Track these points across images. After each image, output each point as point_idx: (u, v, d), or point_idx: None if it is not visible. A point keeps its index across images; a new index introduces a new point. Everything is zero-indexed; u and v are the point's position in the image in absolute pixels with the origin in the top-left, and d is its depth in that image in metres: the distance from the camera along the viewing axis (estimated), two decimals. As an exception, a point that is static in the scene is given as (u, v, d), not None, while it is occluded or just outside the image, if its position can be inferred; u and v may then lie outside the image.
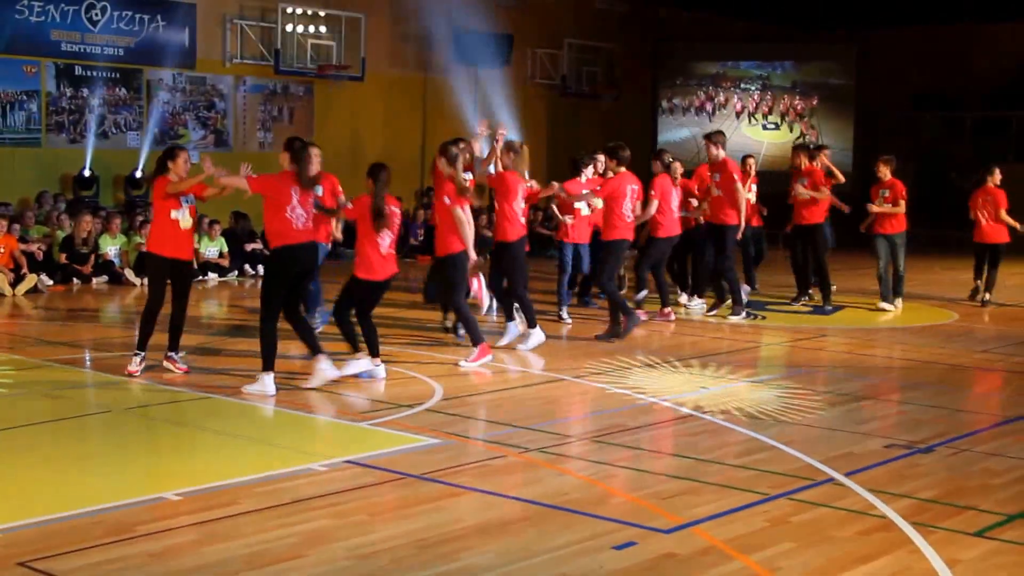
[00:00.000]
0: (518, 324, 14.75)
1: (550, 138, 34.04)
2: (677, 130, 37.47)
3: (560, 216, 17.43)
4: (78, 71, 25.09)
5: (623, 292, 17.53)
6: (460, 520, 7.94)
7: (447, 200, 13.37)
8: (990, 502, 8.48)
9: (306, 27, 28.69)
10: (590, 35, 35.79)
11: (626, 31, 36.82)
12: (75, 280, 21.03)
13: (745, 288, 18.70)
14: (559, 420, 11.07)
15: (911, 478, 9.09)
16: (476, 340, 13.57)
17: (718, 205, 17.54)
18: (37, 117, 24.56)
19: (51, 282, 20.62)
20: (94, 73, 25.30)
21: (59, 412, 11.06)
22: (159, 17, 26.06)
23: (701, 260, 18.53)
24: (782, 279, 20.76)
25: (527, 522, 7.84)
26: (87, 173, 25.13)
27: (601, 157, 17.69)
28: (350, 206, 12.91)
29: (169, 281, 12.75)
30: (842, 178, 19.63)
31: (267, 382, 11.75)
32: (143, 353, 12.62)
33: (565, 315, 17.05)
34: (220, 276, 22.63)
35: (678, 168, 17.85)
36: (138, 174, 25.45)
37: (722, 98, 38.39)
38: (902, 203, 18.53)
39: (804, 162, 18.81)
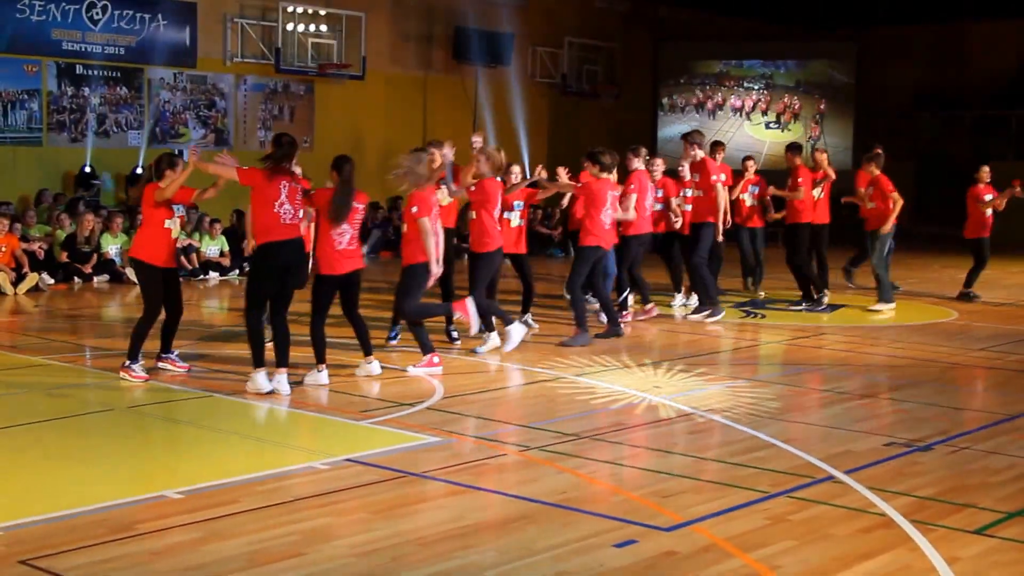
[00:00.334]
0: (516, 326, 14.41)
1: (550, 137, 34.06)
2: (678, 129, 37.45)
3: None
4: (79, 70, 25.11)
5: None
6: (460, 518, 7.95)
7: (414, 210, 13.03)
8: (989, 500, 8.49)
9: (307, 26, 28.72)
10: (591, 34, 35.81)
11: (627, 30, 36.85)
12: (76, 279, 21.05)
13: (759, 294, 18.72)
14: (559, 419, 11.06)
15: (911, 476, 9.10)
16: (424, 348, 13.22)
17: (697, 205, 17.45)
18: (38, 116, 24.58)
19: (52, 281, 20.65)
20: (95, 72, 25.32)
21: (60, 410, 11.08)
22: (160, 16, 26.08)
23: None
24: (786, 278, 20.74)
25: (527, 520, 7.84)
26: (87, 169, 25.15)
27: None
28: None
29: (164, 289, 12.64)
30: (832, 176, 19.47)
31: (259, 379, 11.69)
32: (140, 361, 12.56)
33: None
34: (221, 275, 22.65)
35: (659, 165, 17.86)
36: (139, 171, 25.46)
37: (719, 97, 38.39)
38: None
39: (796, 161, 18.79)
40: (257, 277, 12.05)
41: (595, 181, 15.31)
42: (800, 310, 18.52)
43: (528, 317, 15.73)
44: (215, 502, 8.10)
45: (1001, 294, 21.35)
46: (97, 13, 24.98)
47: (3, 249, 20.07)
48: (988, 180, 20.57)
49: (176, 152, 13.63)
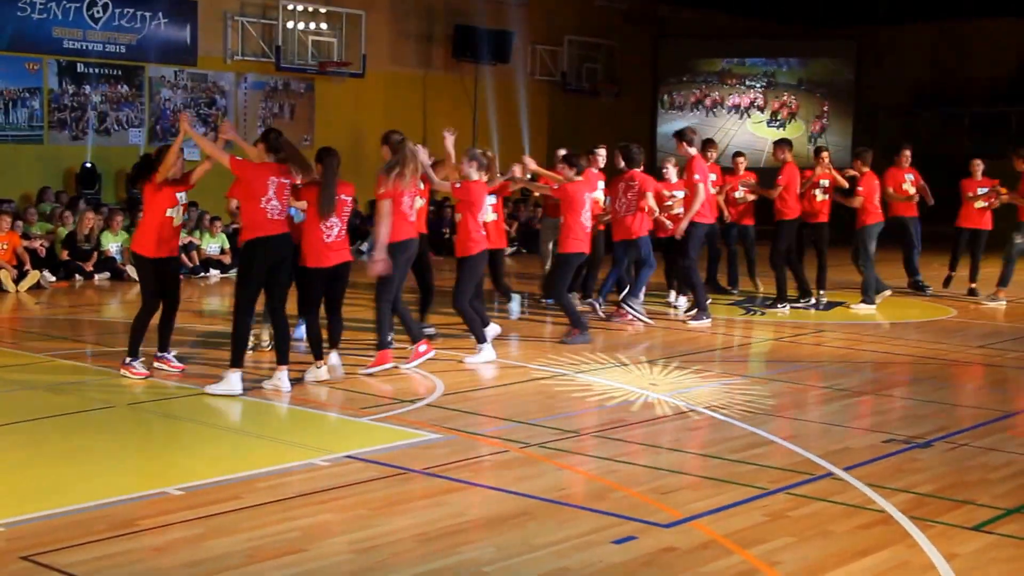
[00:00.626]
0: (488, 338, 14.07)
1: (551, 135, 34.07)
2: (678, 127, 37.46)
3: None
4: (80, 68, 25.13)
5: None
6: (461, 514, 7.98)
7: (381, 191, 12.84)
8: (988, 496, 8.52)
9: (307, 24, 28.74)
10: (590, 32, 35.83)
11: (626, 28, 36.85)
12: (77, 276, 21.06)
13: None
14: (559, 416, 11.08)
15: (909, 472, 9.13)
16: (381, 344, 13.02)
17: (685, 204, 17.17)
18: (39, 114, 24.60)
19: (54, 278, 20.67)
20: (96, 70, 25.34)
21: (62, 407, 11.09)
22: (160, 14, 26.10)
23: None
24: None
25: (527, 516, 7.87)
26: (89, 167, 25.20)
27: (602, 152, 17.68)
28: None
29: (160, 281, 12.57)
30: (844, 183, 19.30)
31: (233, 380, 11.59)
32: (141, 358, 12.54)
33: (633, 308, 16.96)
34: (222, 272, 22.66)
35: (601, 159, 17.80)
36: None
37: (717, 95, 38.41)
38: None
39: (786, 157, 18.53)
40: (245, 273, 11.89)
41: (572, 184, 15.04)
42: (777, 309, 18.41)
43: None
44: (216, 498, 8.12)
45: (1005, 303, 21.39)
46: (98, 11, 25.00)
47: (5, 247, 20.09)
48: (980, 174, 20.61)
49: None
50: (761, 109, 38.15)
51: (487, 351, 13.72)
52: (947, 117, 37.40)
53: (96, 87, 25.36)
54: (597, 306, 17.24)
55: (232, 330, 11.82)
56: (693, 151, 16.93)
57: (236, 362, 11.66)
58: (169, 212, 12.33)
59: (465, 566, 6.94)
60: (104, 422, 10.79)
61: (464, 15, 31.89)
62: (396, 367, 12.92)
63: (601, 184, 17.40)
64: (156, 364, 12.71)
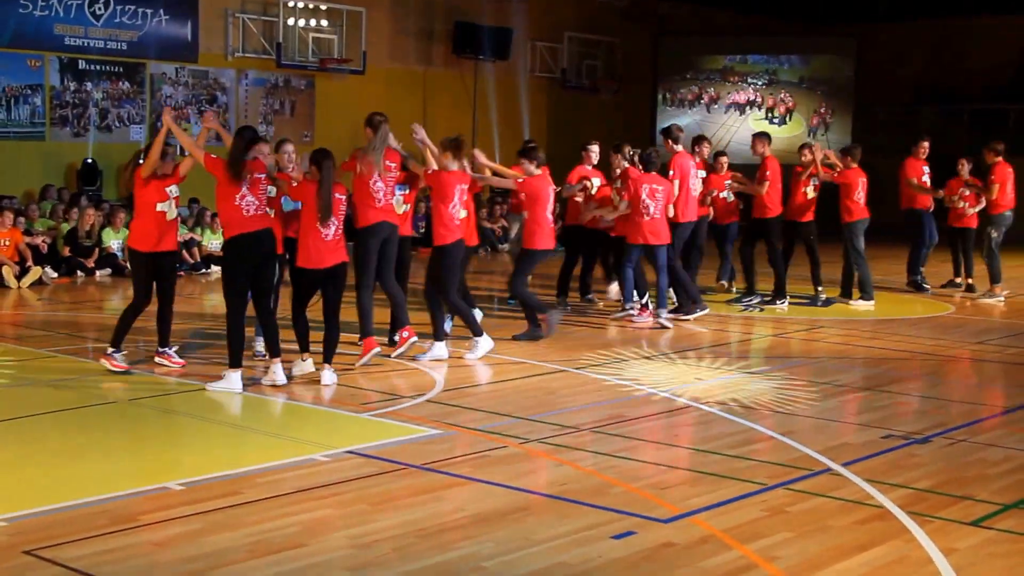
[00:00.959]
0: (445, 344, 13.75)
1: (550, 132, 34.08)
2: (678, 123, 37.48)
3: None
4: (81, 65, 25.16)
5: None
6: (460, 510, 8.00)
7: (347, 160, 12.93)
8: (986, 492, 8.54)
9: (307, 21, 28.76)
10: (590, 28, 35.84)
11: (626, 25, 36.86)
12: (79, 273, 21.09)
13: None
14: (558, 411, 11.10)
15: (908, 468, 9.15)
16: (364, 332, 13.06)
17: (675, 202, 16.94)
18: (41, 111, 24.63)
19: (55, 275, 20.70)
20: (97, 67, 25.38)
21: (64, 403, 11.12)
22: (161, 11, 26.13)
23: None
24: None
25: (526, 512, 7.90)
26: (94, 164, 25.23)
27: (595, 148, 17.55)
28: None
29: (155, 277, 12.59)
30: (832, 173, 19.26)
31: (234, 379, 11.59)
32: (122, 350, 12.52)
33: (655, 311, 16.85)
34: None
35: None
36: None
37: (713, 91, 38.42)
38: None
39: (765, 151, 18.35)
40: (228, 273, 11.88)
41: (532, 179, 14.75)
42: (751, 306, 18.34)
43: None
44: (216, 494, 8.15)
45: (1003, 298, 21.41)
46: (99, 8, 25.03)
47: (7, 243, 20.13)
48: (924, 155, 20.62)
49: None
50: (759, 106, 38.15)
51: (485, 342, 13.69)
52: (947, 114, 37.39)
53: (97, 84, 25.39)
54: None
55: (227, 331, 11.82)
56: (679, 148, 16.93)
57: (235, 362, 11.67)
58: (160, 207, 12.30)
59: (464, 561, 6.96)
60: (105, 418, 10.81)
61: (464, 12, 31.90)
62: (385, 355, 12.96)
63: (596, 181, 17.25)
64: (157, 359, 12.74)
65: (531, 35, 34.15)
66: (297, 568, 6.77)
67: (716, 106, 38.23)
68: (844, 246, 18.94)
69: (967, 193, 20.48)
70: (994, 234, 19.93)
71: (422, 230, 26.35)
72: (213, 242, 22.77)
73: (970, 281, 20.85)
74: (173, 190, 12.45)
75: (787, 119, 37.97)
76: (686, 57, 38.45)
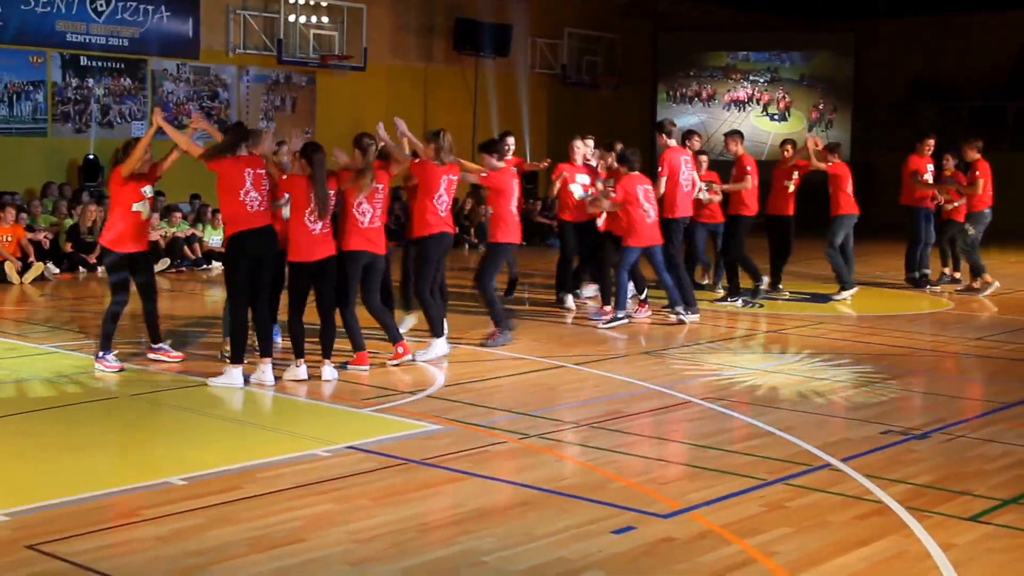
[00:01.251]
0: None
1: (550, 128, 34.09)
2: (678, 119, 37.49)
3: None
4: (83, 61, 25.17)
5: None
6: (460, 505, 8.03)
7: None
8: (985, 487, 8.56)
9: (308, 17, 28.77)
10: (590, 24, 35.83)
11: (626, 21, 36.86)
12: (81, 268, 21.11)
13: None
14: (558, 407, 11.14)
15: (906, 464, 9.17)
16: (356, 347, 12.74)
17: (664, 199, 16.81)
18: (43, 107, 24.64)
19: (57, 270, 20.73)
20: (99, 63, 25.38)
21: (65, 398, 11.15)
22: (163, 7, 26.13)
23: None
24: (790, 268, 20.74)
25: (526, 507, 7.92)
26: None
27: (579, 143, 17.32)
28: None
29: (132, 275, 12.54)
30: (818, 164, 19.17)
31: (235, 375, 11.59)
32: (112, 351, 12.49)
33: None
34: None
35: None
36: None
37: (711, 88, 38.43)
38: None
39: (738, 150, 18.19)
40: (230, 269, 11.84)
41: (496, 172, 14.39)
42: (733, 303, 18.22)
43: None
44: (218, 488, 8.18)
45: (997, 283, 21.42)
46: (101, 5, 25.04)
47: (9, 239, 20.18)
48: (929, 152, 20.60)
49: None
50: (757, 102, 38.16)
51: (439, 346, 13.38)
52: (946, 110, 37.38)
53: (99, 80, 25.41)
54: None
55: (230, 327, 11.86)
56: (672, 143, 16.87)
57: (236, 358, 11.68)
58: (136, 207, 12.28)
59: (464, 556, 6.99)
60: (108, 413, 10.85)
61: (464, 8, 31.91)
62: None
63: (584, 178, 17.05)
64: (151, 356, 12.73)
65: (531, 31, 34.14)
66: (298, 563, 6.80)
67: (714, 102, 38.24)
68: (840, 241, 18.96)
69: (950, 187, 20.51)
70: (971, 231, 19.96)
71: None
72: (214, 238, 22.79)
73: (957, 275, 20.91)
74: (148, 190, 12.44)
75: (786, 115, 37.97)
76: (686, 53, 38.46)
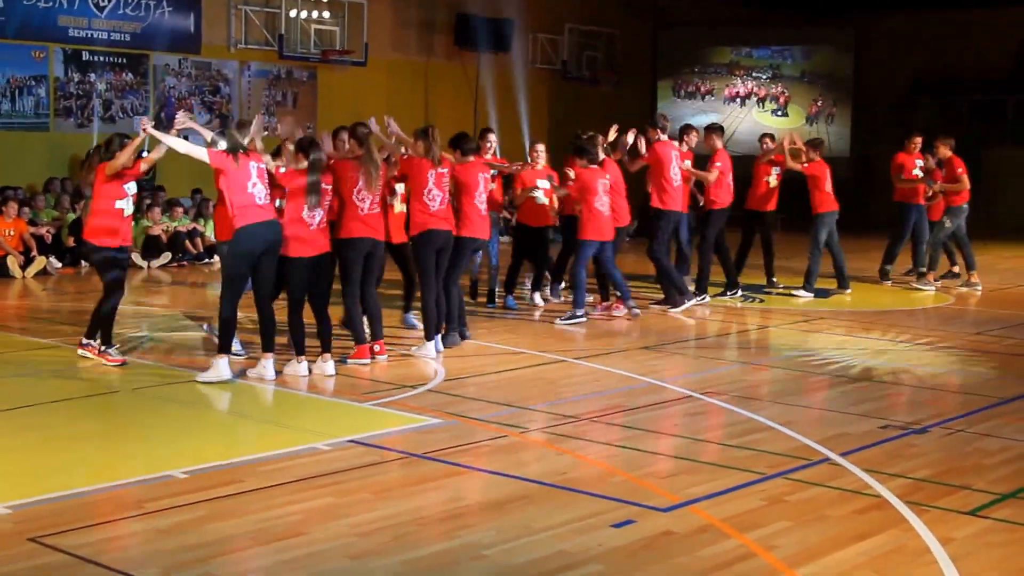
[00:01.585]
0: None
1: (551, 123, 34.08)
2: (679, 115, 37.47)
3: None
4: (85, 56, 25.15)
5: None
6: (461, 498, 8.07)
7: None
8: (984, 481, 8.59)
9: (309, 12, 28.75)
10: (591, 20, 35.81)
11: (627, 16, 36.84)
12: (83, 263, 21.12)
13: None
14: (559, 401, 11.15)
15: (906, 458, 9.20)
16: (356, 339, 12.77)
17: (653, 193, 16.84)
18: (45, 102, 24.64)
19: (60, 265, 20.75)
20: (101, 58, 25.38)
21: (68, 392, 11.18)
22: (165, 3, 26.10)
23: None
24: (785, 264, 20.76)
25: (527, 500, 7.95)
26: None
27: (541, 146, 16.92)
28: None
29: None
30: (793, 165, 19.14)
31: (221, 366, 11.53)
32: (114, 344, 12.57)
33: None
34: (225, 259, 22.73)
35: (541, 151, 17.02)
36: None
37: (709, 84, 38.41)
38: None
39: (717, 144, 18.02)
40: (234, 262, 11.78)
41: (461, 166, 13.91)
42: (749, 297, 18.30)
43: (411, 316, 14.86)
44: (220, 482, 8.21)
45: (995, 279, 21.44)
46: (103, 0, 25.05)
47: (12, 233, 20.21)
48: (916, 149, 20.56)
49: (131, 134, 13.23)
50: (757, 98, 38.13)
51: (430, 348, 13.24)
52: (946, 106, 37.36)
53: (101, 75, 25.40)
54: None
55: (219, 317, 11.84)
56: (662, 137, 16.79)
57: (223, 348, 11.64)
58: (119, 204, 12.30)
59: (465, 549, 7.02)
60: (110, 407, 10.89)
61: (465, 4, 31.87)
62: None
63: (544, 183, 16.61)
64: (80, 351, 12.59)
65: (532, 27, 34.12)
66: (299, 556, 6.83)
67: (712, 97, 38.21)
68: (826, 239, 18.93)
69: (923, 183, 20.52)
70: (948, 224, 19.97)
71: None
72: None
73: (956, 269, 20.96)
74: (132, 187, 12.44)
75: (786, 111, 37.93)
76: (686, 50, 38.42)
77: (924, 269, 20.37)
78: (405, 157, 13.41)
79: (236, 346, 12.75)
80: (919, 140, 20.43)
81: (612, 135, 17.00)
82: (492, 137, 16.21)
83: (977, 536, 7.40)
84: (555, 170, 16.92)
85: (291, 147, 12.52)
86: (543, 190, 16.46)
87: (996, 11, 35.78)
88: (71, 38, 24.74)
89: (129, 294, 18.41)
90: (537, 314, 16.39)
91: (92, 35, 24.99)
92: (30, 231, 20.61)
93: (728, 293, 18.20)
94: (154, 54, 26.25)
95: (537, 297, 17.13)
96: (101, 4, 24.94)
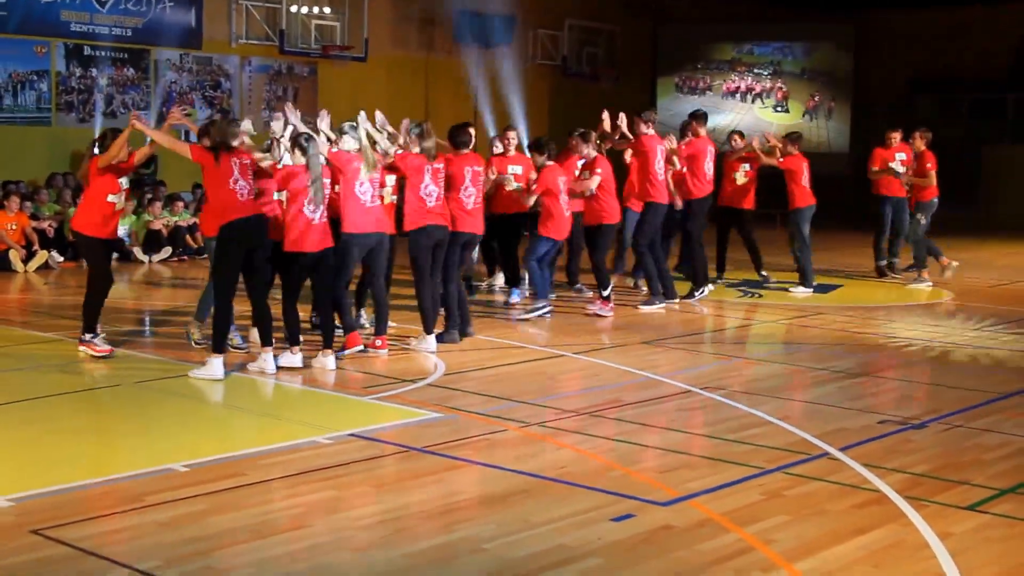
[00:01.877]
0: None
1: (551, 119, 34.08)
2: (680, 111, 37.45)
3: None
4: (87, 51, 25.18)
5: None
6: (461, 492, 8.10)
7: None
8: (982, 477, 8.59)
9: (310, 8, 28.77)
10: (591, 16, 35.83)
11: (627, 13, 36.84)
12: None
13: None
14: (559, 395, 11.19)
15: (904, 453, 9.20)
16: (346, 328, 12.84)
17: (639, 186, 16.81)
18: (47, 97, 24.67)
19: (61, 259, 20.77)
20: (102, 53, 25.40)
21: (70, 385, 11.21)
22: (166, -2, 26.19)
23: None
24: (781, 260, 20.77)
25: (527, 494, 7.96)
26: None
27: (512, 133, 17.05)
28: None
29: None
30: (768, 160, 19.14)
31: (215, 365, 11.49)
32: (99, 333, 12.57)
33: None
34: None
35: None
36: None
37: (708, 80, 38.42)
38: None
39: (700, 132, 18.04)
40: (222, 259, 11.74)
41: (449, 161, 13.82)
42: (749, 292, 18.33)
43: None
44: (221, 475, 8.23)
45: (994, 275, 21.45)
46: (105, -5, 25.11)
47: (14, 227, 20.25)
48: (894, 145, 20.52)
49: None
50: (754, 93, 38.15)
51: (430, 341, 13.24)
52: (945, 103, 37.39)
53: (103, 70, 25.44)
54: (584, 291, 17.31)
55: (213, 316, 11.86)
56: (648, 131, 16.74)
57: (218, 348, 11.58)
58: (111, 198, 12.31)
59: (465, 543, 7.03)
60: (111, 400, 10.92)
61: (466, -1, 31.94)
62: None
63: (516, 168, 16.72)
64: (81, 348, 12.60)
65: (532, 23, 34.14)
66: (300, 549, 6.85)
67: (710, 93, 38.22)
68: (790, 233, 18.88)
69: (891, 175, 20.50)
70: (923, 221, 19.96)
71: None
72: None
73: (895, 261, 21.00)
74: (124, 182, 12.46)
75: (787, 107, 37.94)
76: (686, 46, 38.42)
77: (906, 264, 20.43)
78: (400, 154, 13.36)
79: (238, 339, 12.80)
80: (896, 135, 20.39)
81: (606, 124, 16.96)
82: (512, 135, 16.32)
83: (976, 531, 7.41)
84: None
85: (286, 141, 12.57)
86: (514, 175, 16.48)
87: (996, 9, 35.79)
88: (73, 33, 24.78)
89: (130, 288, 18.54)
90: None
91: (94, 30, 25.03)
92: (32, 225, 20.65)
93: (696, 293, 17.63)
94: (155, 49, 26.28)
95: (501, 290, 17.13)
96: (103, -1, 24.98)
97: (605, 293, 15.92)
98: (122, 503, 7.56)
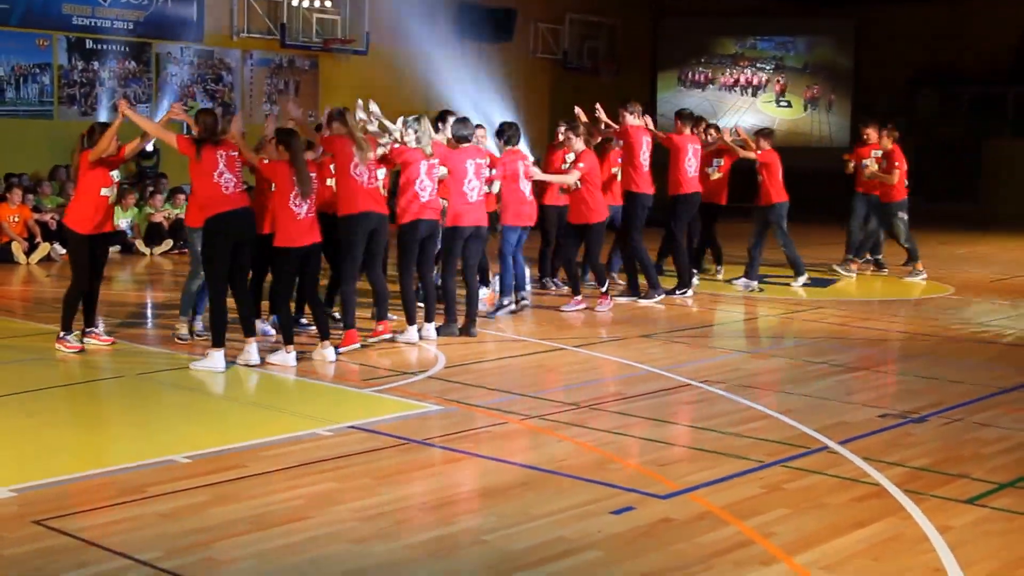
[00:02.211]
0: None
1: (551, 113, 34.07)
2: (681, 105, 37.46)
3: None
4: (89, 44, 25.21)
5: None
6: (462, 484, 8.11)
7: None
8: (982, 470, 8.59)
9: (311, 1, 28.77)
10: (592, 10, 35.83)
11: (627, 6, 36.85)
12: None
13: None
14: (559, 388, 11.18)
15: (904, 447, 9.21)
16: (346, 324, 12.82)
17: (624, 176, 16.85)
18: (49, 90, 24.69)
19: (64, 251, 20.76)
20: (105, 46, 25.42)
21: (72, 377, 11.26)
22: (167, -9, 26.20)
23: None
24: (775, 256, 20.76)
25: (527, 487, 7.97)
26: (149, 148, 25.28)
27: (481, 131, 16.88)
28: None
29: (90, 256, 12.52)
30: (746, 153, 19.08)
31: (217, 358, 11.51)
32: (73, 332, 12.49)
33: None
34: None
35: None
36: (149, 147, 25.50)
37: (709, 74, 38.44)
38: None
39: (683, 130, 17.67)
40: (210, 252, 11.72)
41: (448, 154, 13.74)
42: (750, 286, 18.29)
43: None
44: (222, 466, 8.25)
45: (996, 269, 21.46)
46: (106, -12, 25.12)
47: (16, 219, 20.29)
48: (869, 142, 20.50)
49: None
50: (752, 86, 38.17)
51: (412, 333, 13.24)
52: (946, 97, 37.40)
53: (104, 63, 25.46)
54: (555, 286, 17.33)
55: (210, 311, 11.87)
56: (635, 122, 16.74)
57: (218, 342, 11.60)
58: (103, 191, 12.29)
59: (465, 535, 7.06)
60: (113, 392, 10.95)
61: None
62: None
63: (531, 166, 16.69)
64: (85, 340, 12.60)
65: (533, 16, 34.16)
66: (301, 540, 6.86)
67: (711, 87, 38.23)
68: (756, 230, 18.69)
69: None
70: (904, 217, 19.93)
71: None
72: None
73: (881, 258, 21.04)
74: (116, 174, 12.47)
75: (788, 101, 37.96)
76: (686, 40, 38.43)
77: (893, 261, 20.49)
78: (396, 147, 13.35)
79: (264, 326, 12.95)
80: (870, 132, 20.31)
81: (582, 116, 16.92)
82: (451, 119, 16.19)
83: (975, 524, 7.41)
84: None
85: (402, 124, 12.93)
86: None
87: (996, 3, 35.78)
88: (75, 26, 24.81)
89: (132, 280, 18.56)
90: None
91: (96, 23, 25.06)
92: (34, 218, 20.70)
93: (678, 292, 17.38)
94: (157, 42, 26.30)
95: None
96: (105, -8, 25.01)
97: (603, 289, 15.92)
98: (123, 494, 7.58)
